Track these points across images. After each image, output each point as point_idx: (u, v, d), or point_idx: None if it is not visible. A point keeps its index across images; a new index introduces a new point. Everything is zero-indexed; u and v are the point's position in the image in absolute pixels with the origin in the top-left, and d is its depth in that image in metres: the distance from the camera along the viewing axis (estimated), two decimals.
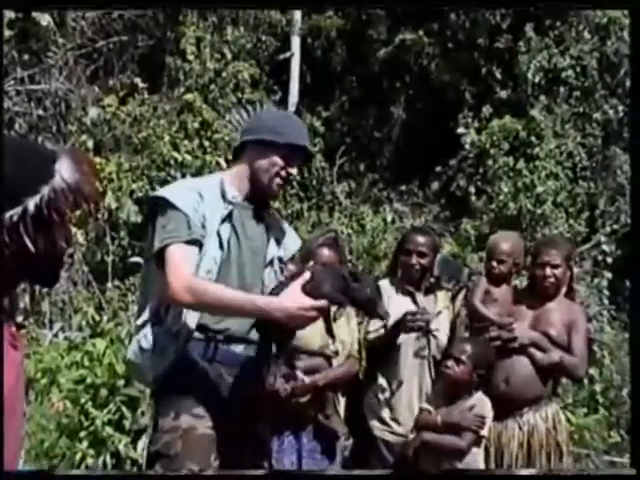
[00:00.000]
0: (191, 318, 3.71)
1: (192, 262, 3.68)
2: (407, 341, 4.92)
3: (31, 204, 1.90)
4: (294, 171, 3.89)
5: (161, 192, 3.92)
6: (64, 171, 1.95)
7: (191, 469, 3.63)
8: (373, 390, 5.00)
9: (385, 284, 5.08)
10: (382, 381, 4.98)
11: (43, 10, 11.21)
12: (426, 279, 5.07)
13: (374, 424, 4.97)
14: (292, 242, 4.13)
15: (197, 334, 3.72)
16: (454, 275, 5.19)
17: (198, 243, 3.71)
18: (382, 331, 4.95)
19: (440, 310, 5.04)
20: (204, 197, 3.77)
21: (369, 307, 3.76)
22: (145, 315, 3.81)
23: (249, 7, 12.21)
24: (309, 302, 3.52)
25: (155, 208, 3.83)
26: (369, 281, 3.79)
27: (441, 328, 5.00)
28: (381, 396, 4.98)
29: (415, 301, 5.03)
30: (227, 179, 3.93)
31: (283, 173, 3.85)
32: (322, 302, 3.54)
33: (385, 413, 4.96)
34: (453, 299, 5.15)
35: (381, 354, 4.96)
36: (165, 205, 3.75)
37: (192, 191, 3.81)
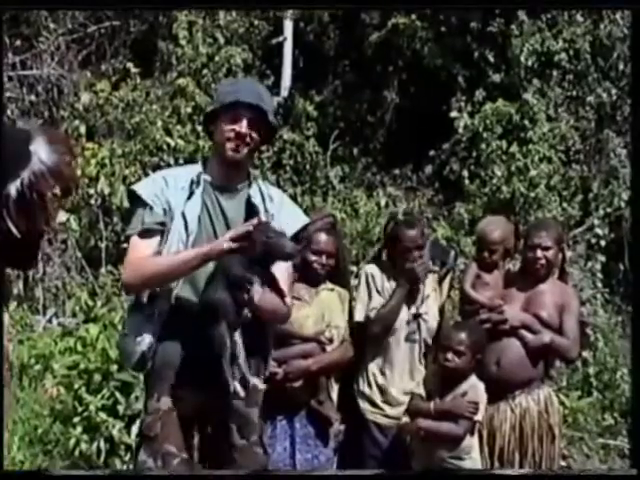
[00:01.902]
0: (166, 301, 3.77)
1: (145, 250, 3.80)
2: (399, 325, 4.94)
3: (12, 189, 1.89)
4: (242, 129, 3.85)
5: (134, 185, 4.11)
6: (41, 153, 1.93)
7: (169, 450, 3.68)
8: (365, 374, 5.01)
9: (373, 268, 5.09)
10: (373, 365, 4.99)
11: (42, 9, 11.21)
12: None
13: (366, 407, 4.98)
14: (292, 222, 4.10)
15: (175, 315, 3.78)
16: (442, 258, 5.18)
17: (156, 232, 3.82)
18: (379, 307, 4.96)
19: (428, 294, 5.04)
20: (169, 183, 3.89)
21: (272, 252, 3.67)
22: (131, 301, 4.00)
23: (242, 7, 12.17)
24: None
25: (129, 201, 4.10)
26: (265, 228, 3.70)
27: (430, 311, 5.02)
28: (372, 380, 4.99)
29: None
30: (205, 163, 4.08)
31: (231, 135, 3.86)
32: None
33: (377, 396, 4.97)
34: (441, 282, 5.15)
35: (373, 338, 4.96)
36: (131, 197, 3.97)
37: (158, 178, 3.97)
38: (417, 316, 4.96)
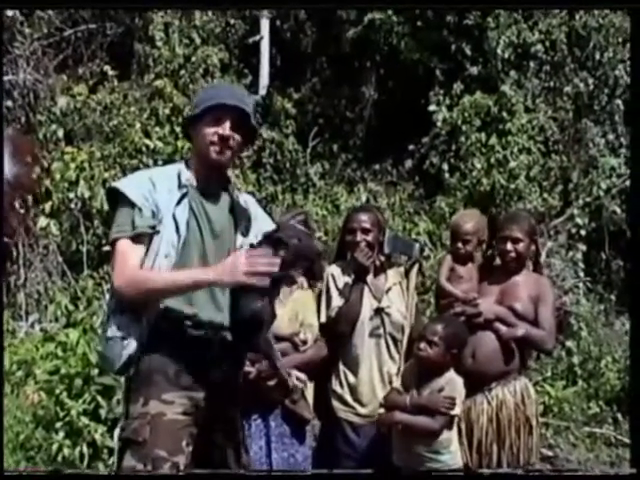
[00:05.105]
0: (154, 304, 3.72)
1: (136, 256, 3.72)
2: (362, 321, 4.95)
3: None
4: (225, 131, 3.83)
5: (116, 183, 3.96)
6: (5, 165, 1.92)
7: (159, 455, 3.64)
8: (334, 372, 5.02)
9: (334, 268, 5.09)
10: (341, 363, 5.00)
11: (42, 8, 11.19)
12: (374, 257, 5.04)
13: (338, 406, 4.99)
14: (267, 227, 4.08)
15: (164, 320, 3.72)
16: (405, 251, 5.18)
17: (146, 236, 3.73)
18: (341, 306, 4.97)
19: (390, 287, 5.05)
20: (157, 185, 3.80)
21: (302, 255, 3.67)
22: (113, 304, 3.83)
23: (222, 8, 12.17)
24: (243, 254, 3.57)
25: (110, 199, 3.91)
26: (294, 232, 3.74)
27: (393, 305, 5.02)
28: (343, 378, 5.00)
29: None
30: (186, 165, 3.98)
31: (214, 138, 3.83)
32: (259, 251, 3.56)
33: (347, 395, 4.99)
34: (407, 274, 5.15)
35: (339, 336, 4.97)
36: (117, 197, 3.82)
37: (144, 180, 3.84)
38: (379, 310, 4.97)
